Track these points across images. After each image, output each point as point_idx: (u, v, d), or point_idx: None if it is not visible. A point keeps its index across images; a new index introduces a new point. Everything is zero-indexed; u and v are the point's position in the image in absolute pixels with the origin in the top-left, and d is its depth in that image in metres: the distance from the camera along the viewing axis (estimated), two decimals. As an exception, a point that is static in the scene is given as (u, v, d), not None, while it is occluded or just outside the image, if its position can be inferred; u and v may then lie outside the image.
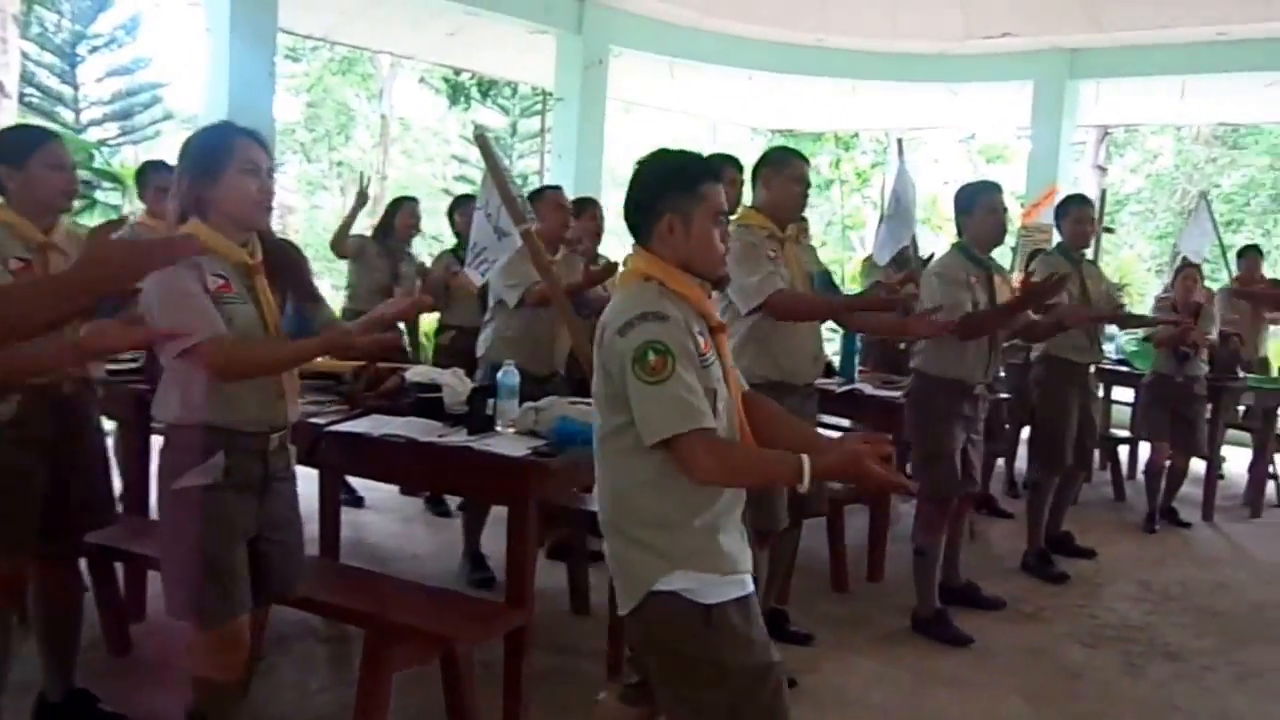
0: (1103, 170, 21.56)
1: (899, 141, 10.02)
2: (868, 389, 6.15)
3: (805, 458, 2.47)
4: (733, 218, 4.45)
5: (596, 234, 6.74)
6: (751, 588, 2.68)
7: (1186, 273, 8.06)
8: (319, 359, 3.58)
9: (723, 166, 2.73)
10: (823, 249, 20.50)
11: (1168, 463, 7.72)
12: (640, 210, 2.68)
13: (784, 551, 4.88)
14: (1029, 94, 12.89)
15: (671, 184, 2.66)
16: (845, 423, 6.36)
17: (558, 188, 6.07)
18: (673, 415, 2.46)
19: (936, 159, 25.61)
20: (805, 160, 4.61)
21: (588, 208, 6.73)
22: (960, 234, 5.30)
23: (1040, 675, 4.90)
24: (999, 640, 5.29)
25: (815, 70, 13.16)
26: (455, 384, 4.43)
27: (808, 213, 5.25)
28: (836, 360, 6.60)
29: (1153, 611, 5.90)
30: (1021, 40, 12.26)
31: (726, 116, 17.46)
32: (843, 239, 21.96)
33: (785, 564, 4.98)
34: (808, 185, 4.57)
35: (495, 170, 4.57)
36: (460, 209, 7.22)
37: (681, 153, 2.76)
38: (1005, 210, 5.34)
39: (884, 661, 4.91)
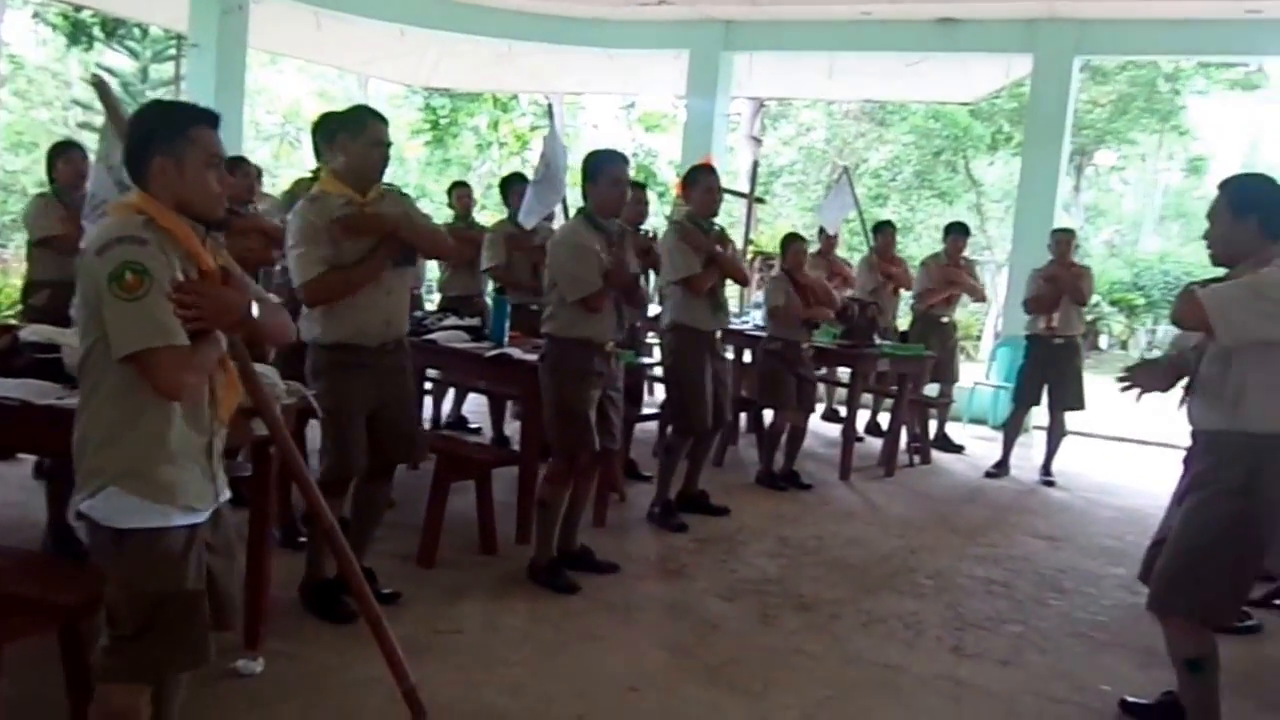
0: (758, 141, 22.32)
1: (549, 105, 10.06)
2: (516, 353, 6.12)
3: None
4: (316, 186, 4.61)
5: (249, 191, 6.46)
6: (192, 520, 2.78)
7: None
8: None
9: (209, 115, 2.82)
10: (481, 212, 20.46)
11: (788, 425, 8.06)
12: (136, 154, 2.78)
13: (373, 503, 4.84)
14: (685, 63, 13.15)
15: (162, 128, 2.77)
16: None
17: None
18: (146, 330, 2.57)
19: (596, 125, 25.93)
20: (384, 121, 4.60)
21: (238, 165, 6.37)
22: (585, 200, 5.39)
23: (681, 628, 5.01)
24: (643, 597, 5.39)
25: (469, 28, 13.07)
26: (76, 344, 4.11)
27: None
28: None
29: (789, 565, 6.12)
30: (677, 9, 12.50)
31: (379, 73, 17.09)
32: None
33: (376, 517, 4.90)
34: (388, 147, 4.59)
35: (117, 120, 4.24)
36: (63, 156, 6.76)
37: (174, 101, 3.02)
38: (628, 181, 5.48)
39: (529, 619, 4.92)
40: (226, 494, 2.94)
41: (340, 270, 4.42)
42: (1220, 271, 3.96)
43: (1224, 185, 4.00)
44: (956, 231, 10.13)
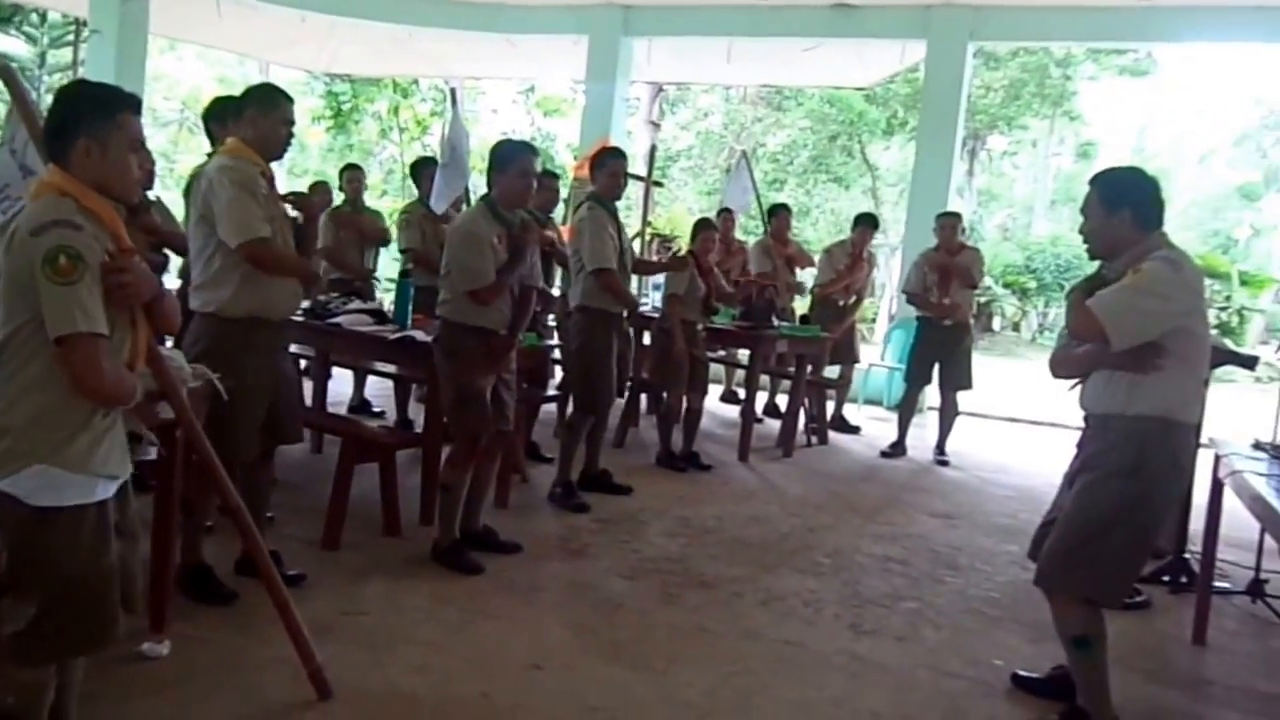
0: (656, 126, 22.42)
1: (452, 91, 10.09)
2: (420, 336, 6.13)
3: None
4: (223, 149, 4.66)
5: (150, 177, 6.44)
6: (113, 490, 2.86)
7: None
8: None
9: (134, 100, 2.88)
10: (382, 198, 20.25)
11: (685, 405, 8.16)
12: (60, 132, 2.81)
13: (261, 485, 4.89)
14: (585, 48, 13.18)
15: (90, 110, 2.81)
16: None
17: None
18: (74, 315, 2.62)
19: (496, 109, 25.84)
20: (292, 101, 4.71)
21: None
22: (490, 188, 5.40)
23: (584, 607, 5.06)
24: (546, 576, 5.44)
25: (369, 14, 13.06)
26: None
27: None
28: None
29: (690, 544, 6.21)
30: (577, -7, 12.52)
31: (280, 59, 16.90)
32: (403, 186, 21.82)
33: (263, 493, 4.93)
34: (293, 125, 4.70)
35: (22, 105, 4.22)
36: None
37: (102, 84, 2.96)
38: (535, 174, 5.49)
39: (433, 599, 4.95)
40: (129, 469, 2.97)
41: (290, 253, 4.59)
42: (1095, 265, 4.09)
43: (1094, 181, 4.08)
44: (865, 223, 10.21)
